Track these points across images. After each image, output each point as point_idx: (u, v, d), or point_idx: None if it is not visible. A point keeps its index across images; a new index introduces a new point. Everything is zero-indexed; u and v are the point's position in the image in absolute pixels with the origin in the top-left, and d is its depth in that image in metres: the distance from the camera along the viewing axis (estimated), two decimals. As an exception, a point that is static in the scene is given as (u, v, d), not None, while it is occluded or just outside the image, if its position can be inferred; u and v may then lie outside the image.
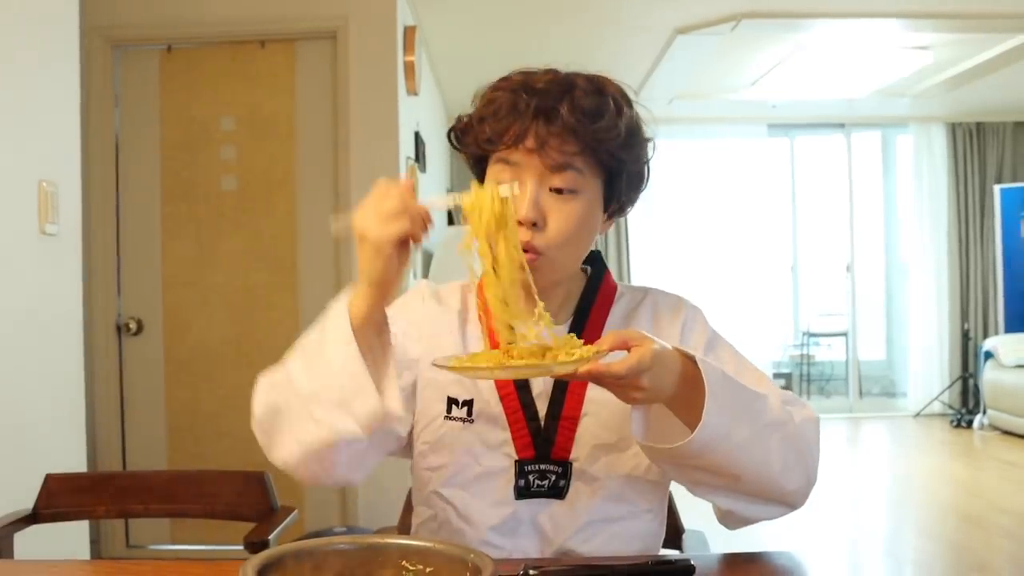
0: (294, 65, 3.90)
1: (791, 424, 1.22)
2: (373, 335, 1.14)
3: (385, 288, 1.11)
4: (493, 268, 1.13)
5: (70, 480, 1.87)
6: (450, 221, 6.60)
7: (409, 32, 4.14)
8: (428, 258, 5.06)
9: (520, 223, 1.20)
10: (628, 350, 1.09)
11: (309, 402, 1.12)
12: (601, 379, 1.08)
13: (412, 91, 4.23)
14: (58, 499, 1.84)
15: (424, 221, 1.08)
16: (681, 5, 4.84)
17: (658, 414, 1.19)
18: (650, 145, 1.33)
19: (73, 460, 2.52)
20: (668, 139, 7.70)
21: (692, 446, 1.12)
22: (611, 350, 1.09)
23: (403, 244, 1.08)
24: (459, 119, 1.34)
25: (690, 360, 1.13)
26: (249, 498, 1.82)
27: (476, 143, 1.29)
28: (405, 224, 1.06)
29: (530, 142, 1.22)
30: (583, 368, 1.06)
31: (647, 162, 1.34)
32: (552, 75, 1.28)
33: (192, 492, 1.86)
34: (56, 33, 2.49)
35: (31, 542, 1.80)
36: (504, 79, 1.31)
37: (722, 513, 1.26)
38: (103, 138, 3.90)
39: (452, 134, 1.35)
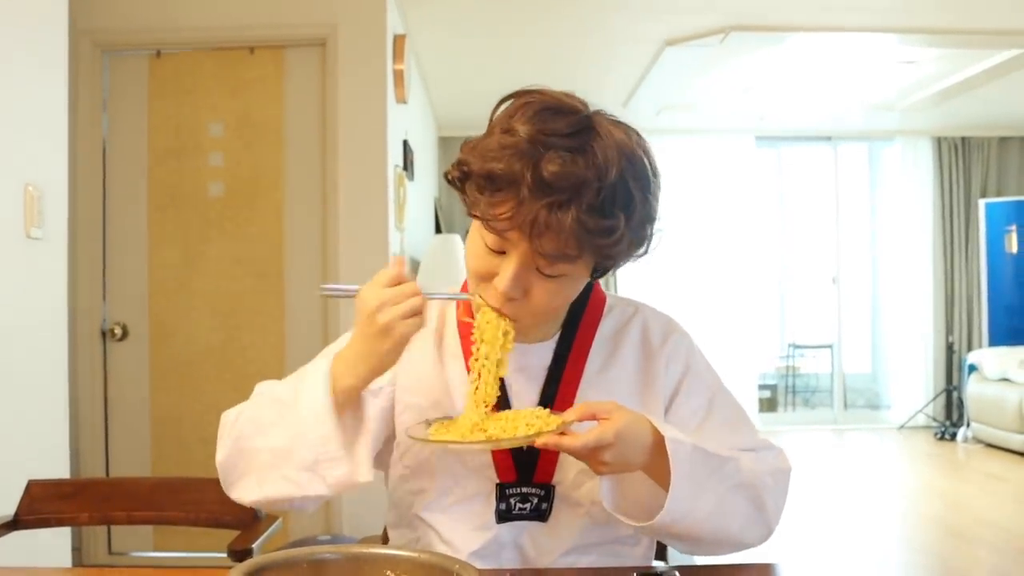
0: (283, 72, 3.90)
1: (758, 484, 1.23)
2: (352, 404, 1.17)
3: (384, 371, 1.15)
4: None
5: (53, 486, 1.86)
6: (437, 229, 6.60)
7: (399, 40, 4.14)
8: (416, 265, 5.06)
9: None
10: (597, 421, 1.11)
11: (280, 458, 1.16)
12: (558, 450, 1.12)
13: (401, 99, 4.23)
14: (40, 505, 1.82)
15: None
16: (671, 17, 4.86)
17: (631, 475, 1.20)
18: (657, 236, 1.22)
19: (56, 466, 2.50)
20: (656, 149, 7.66)
21: (655, 526, 1.15)
22: (578, 420, 1.12)
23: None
24: (459, 163, 1.19)
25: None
26: (233, 506, 1.79)
27: (472, 202, 1.17)
28: (422, 320, 1.11)
29: (525, 229, 1.11)
30: (540, 440, 1.09)
31: (650, 247, 1.23)
32: (564, 154, 1.10)
33: (175, 499, 1.85)
34: (45, 37, 2.48)
35: (12, 549, 1.79)
36: (509, 128, 1.14)
37: (680, 552, 1.30)
38: (90, 142, 3.88)
39: (449, 177, 1.23)
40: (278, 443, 1.16)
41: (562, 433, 1.10)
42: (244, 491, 1.21)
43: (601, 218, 1.11)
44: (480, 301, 1.20)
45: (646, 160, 1.18)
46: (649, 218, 1.19)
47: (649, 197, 1.18)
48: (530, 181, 1.09)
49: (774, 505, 1.25)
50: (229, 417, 1.24)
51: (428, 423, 1.22)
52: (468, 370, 1.29)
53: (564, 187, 1.09)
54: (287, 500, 1.17)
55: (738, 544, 1.25)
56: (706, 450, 1.18)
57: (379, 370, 1.13)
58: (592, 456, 1.10)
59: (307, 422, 1.13)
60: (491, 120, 1.20)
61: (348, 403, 1.15)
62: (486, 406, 1.19)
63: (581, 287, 1.25)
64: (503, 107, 1.19)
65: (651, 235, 1.21)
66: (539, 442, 1.09)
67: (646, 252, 1.23)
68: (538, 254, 1.13)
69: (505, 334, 1.20)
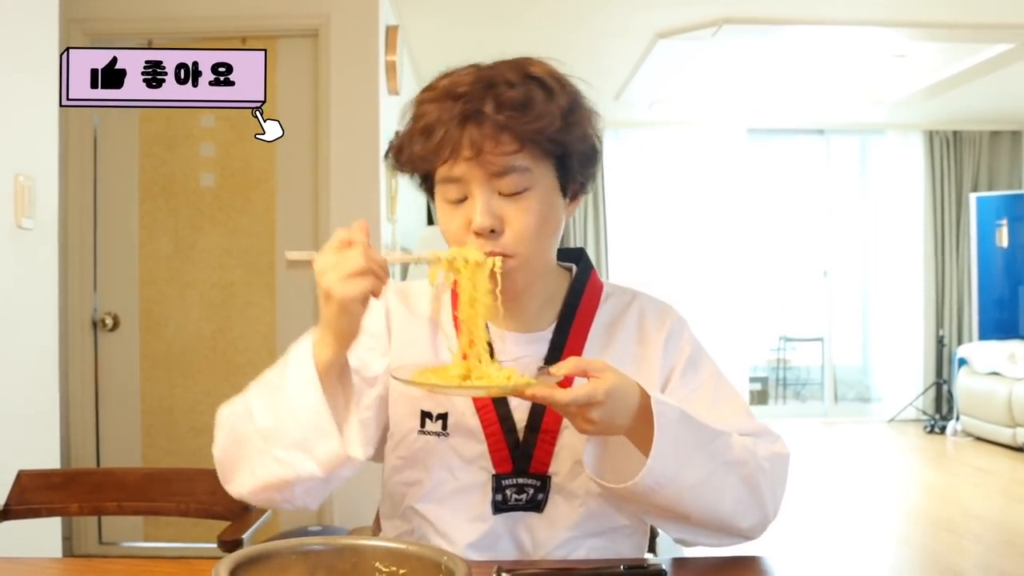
0: (275, 63, 3.88)
1: (752, 463, 1.22)
2: (335, 379, 1.14)
3: (348, 339, 1.12)
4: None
5: (43, 477, 1.86)
6: (429, 220, 6.60)
7: (391, 32, 4.13)
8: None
9: (478, 234, 1.19)
10: (588, 378, 1.10)
11: (269, 439, 1.13)
12: (547, 404, 1.10)
13: (393, 91, 4.22)
14: (30, 496, 1.82)
15: (385, 275, 1.08)
16: (663, 10, 4.86)
17: (617, 443, 1.18)
18: (595, 117, 1.27)
19: (46, 456, 2.50)
20: (648, 142, 7.77)
21: (636, 488, 1.13)
22: (568, 375, 1.10)
23: (365, 298, 1.08)
24: (392, 139, 1.28)
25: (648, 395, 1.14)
26: (223, 497, 1.79)
27: (412, 162, 1.24)
28: (369, 283, 1.06)
29: (466, 151, 1.16)
30: (529, 390, 1.08)
31: (596, 137, 1.27)
32: (474, 73, 1.20)
33: (166, 490, 1.85)
34: (35, 26, 2.47)
35: (2, 539, 1.79)
36: (429, 88, 1.24)
37: (674, 539, 1.27)
38: (81, 132, 3.86)
39: (388, 156, 1.29)
40: (266, 424, 1.13)
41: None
42: (240, 483, 1.19)
43: (516, 94, 1.17)
44: (435, 254, 1.17)
45: (546, 63, 1.25)
46: (577, 101, 1.24)
47: (565, 80, 1.24)
48: (447, 103, 1.17)
49: (771, 490, 1.24)
50: (224, 411, 1.22)
51: (411, 370, 1.18)
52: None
53: (474, 90, 1.17)
54: (280, 484, 1.14)
55: (732, 528, 1.22)
56: (696, 420, 1.17)
57: (343, 339, 1.11)
58: (580, 413, 1.09)
59: (294, 399, 1.11)
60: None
61: (330, 377, 1.12)
62: (472, 348, 1.16)
63: (556, 208, 1.25)
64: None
65: (591, 116, 1.26)
66: (528, 392, 1.08)
67: (598, 144, 1.27)
68: (491, 174, 1.17)
69: (482, 266, 1.17)
